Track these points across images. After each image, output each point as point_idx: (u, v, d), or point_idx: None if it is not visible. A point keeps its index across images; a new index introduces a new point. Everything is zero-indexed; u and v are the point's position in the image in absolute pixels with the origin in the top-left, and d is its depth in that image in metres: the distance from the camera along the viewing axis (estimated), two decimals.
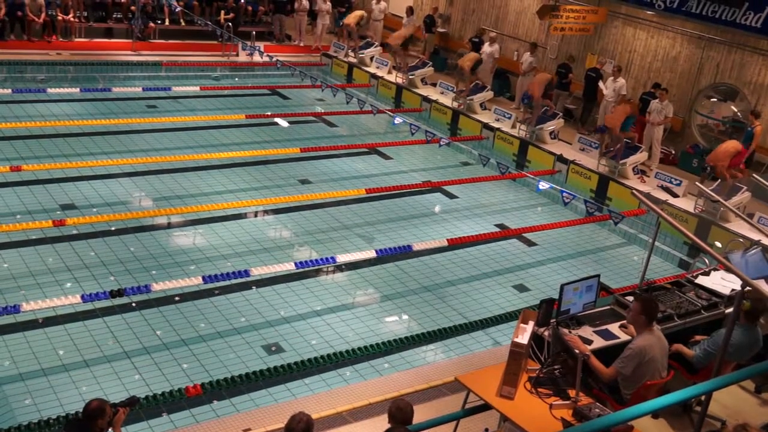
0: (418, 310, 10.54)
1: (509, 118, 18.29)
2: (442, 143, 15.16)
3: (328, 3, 23.78)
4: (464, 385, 6.81)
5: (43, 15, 19.97)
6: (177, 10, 22.02)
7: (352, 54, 22.45)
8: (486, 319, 10.38)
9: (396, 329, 9.99)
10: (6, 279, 9.90)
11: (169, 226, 12.19)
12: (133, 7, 21.60)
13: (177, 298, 9.99)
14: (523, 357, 6.61)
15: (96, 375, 8.33)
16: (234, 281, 10.35)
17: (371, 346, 9.40)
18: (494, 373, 6.72)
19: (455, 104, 19.33)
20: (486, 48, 20.63)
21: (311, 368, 8.83)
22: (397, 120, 15.51)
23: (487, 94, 19.39)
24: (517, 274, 11.91)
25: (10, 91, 16.79)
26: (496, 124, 18.25)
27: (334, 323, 9.90)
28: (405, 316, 10.37)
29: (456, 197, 14.67)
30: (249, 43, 20.09)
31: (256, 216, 12.96)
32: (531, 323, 6.90)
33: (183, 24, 22.49)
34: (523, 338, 6.64)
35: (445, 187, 14.94)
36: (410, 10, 23.27)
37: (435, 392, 8.27)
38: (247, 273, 10.44)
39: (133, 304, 9.67)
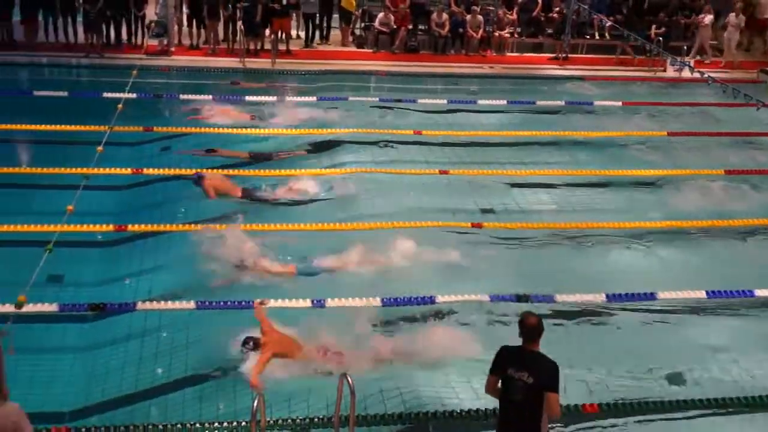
0: None
1: None
2: None
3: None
4: None
5: (480, 31, 21.54)
6: (606, 24, 22.05)
7: None
8: None
9: None
10: (424, 272, 10.62)
11: (578, 239, 12.06)
12: (554, 16, 22.17)
13: (578, 312, 9.96)
14: None
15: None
16: (638, 304, 10.07)
17: None
18: None
19: None
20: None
21: (722, 405, 8.26)
22: None
23: None
24: None
25: (445, 101, 18.33)
26: None
27: (748, 363, 9.09)
28: None
29: None
30: (679, 58, 19.31)
31: (659, 238, 12.12)
32: None
33: (608, 38, 22.48)
34: None
35: None
36: None
37: None
38: (653, 296, 10.10)
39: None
